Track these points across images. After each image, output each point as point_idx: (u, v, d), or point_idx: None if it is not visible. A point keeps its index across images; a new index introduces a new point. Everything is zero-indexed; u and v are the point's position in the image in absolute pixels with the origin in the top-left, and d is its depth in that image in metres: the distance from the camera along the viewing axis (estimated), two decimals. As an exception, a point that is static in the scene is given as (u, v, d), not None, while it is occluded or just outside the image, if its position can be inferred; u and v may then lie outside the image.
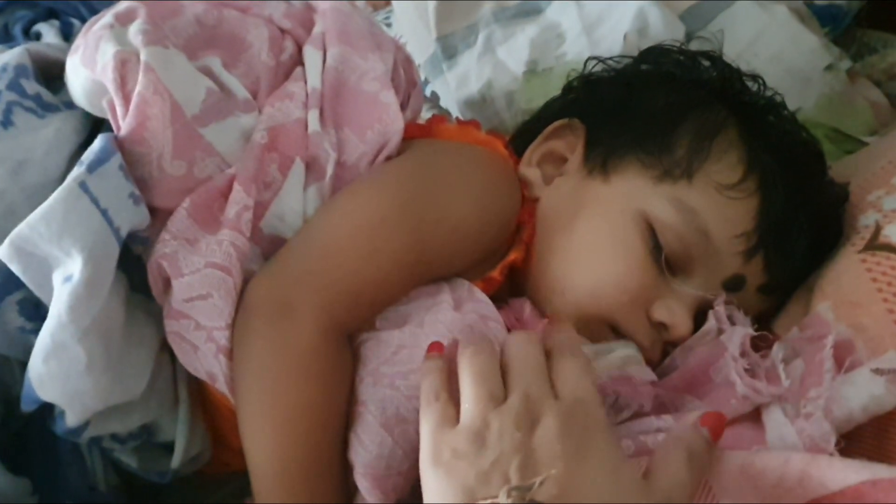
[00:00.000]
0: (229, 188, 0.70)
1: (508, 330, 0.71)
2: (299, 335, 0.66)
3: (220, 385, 0.68)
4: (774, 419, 0.64)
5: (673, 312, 0.72)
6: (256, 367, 0.66)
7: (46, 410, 0.67)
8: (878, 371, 0.64)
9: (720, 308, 0.72)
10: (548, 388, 0.59)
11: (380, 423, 0.65)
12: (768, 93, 0.82)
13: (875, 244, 0.71)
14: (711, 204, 0.73)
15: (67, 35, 0.85)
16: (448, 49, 1.08)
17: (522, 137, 0.84)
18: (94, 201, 0.64)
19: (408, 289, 0.71)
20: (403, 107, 0.78)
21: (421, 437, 0.59)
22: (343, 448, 0.67)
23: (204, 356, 0.67)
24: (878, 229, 0.71)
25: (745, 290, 0.74)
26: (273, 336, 0.66)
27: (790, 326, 0.73)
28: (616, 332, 0.73)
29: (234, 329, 0.67)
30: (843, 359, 0.65)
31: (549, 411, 0.57)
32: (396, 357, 0.67)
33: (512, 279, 0.76)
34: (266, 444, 0.65)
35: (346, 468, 0.67)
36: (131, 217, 0.67)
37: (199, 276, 0.67)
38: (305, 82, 0.76)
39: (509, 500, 0.51)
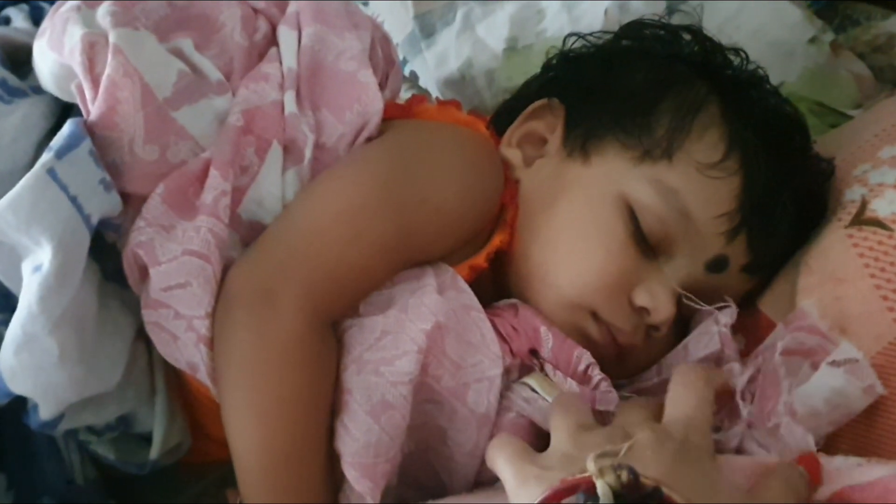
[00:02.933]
0: (204, 173, 0.69)
1: (504, 341, 0.70)
2: (282, 324, 0.64)
3: (201, 375, 0.67)
4: (755, 452, 0.64)
5: (655, 296, 0.71)
6: (239, 357, 0.65)
7: (19, 403, 0.66)
8: (834, 363, 0.64)
9: (728, 336, 0.71)
10: (645, 416, 0.59)
11: (365, 410, 0.64)
12: (751, 67, 0.81)
13: (861, 219, 0.70)
14: (692, 184, 0.72)
15: (38, 19, 0.82)
16: (426, 27, 1.07)
17: (503, 117, 0.82)
18: (64, 188, 0.63)
19: (391, 273, 0.70)
20: (382, 86, 0.76)
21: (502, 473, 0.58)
22: (329, 437, 0.66)
23: (184, 346, 0.66)
24: (864, 204, 0.71)
25: (729, 270, 0.73)
26: (255, 325, 0.65)
27: (776, 304, 0.72)
28: (597, 318, 0.72)
29: (214, 318, 0.66)
30: (818, 360, 0.66)
31: (644, 430, 0.55)
32: (380, 343, 0.66)
33: (494, 268, 0.75)
34: (251, 437, 0.64)
35: (332, 457, 0.66)
36: (102, 204, 0.65)
37: (176, 263, 0.66)
38: (281, 63, 0.75)
39: (596, 465, 0.48)
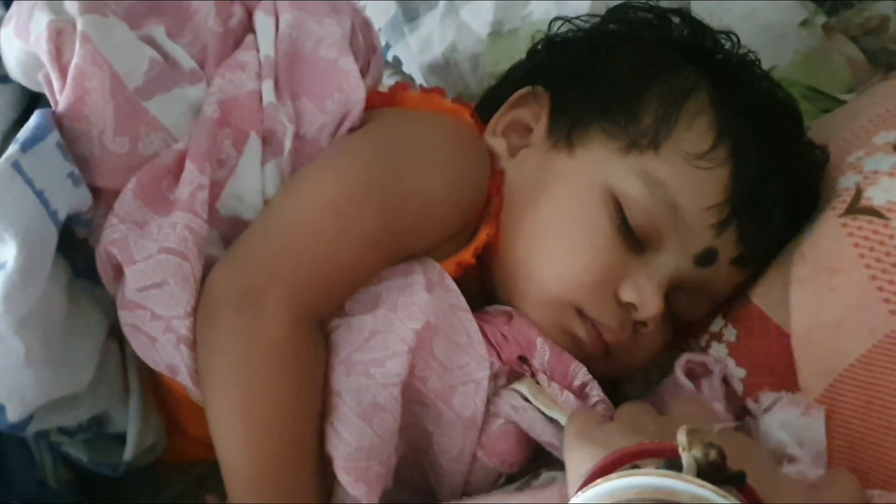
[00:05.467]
0: (178, 165, 0.67)
1: (492, 347, 0.68)
2: (269, 326, 0.63)
3: (183, 378, 0.65)
4: None
5: (642, 292, 0.70)
6: (224, 362, 0.63)
7: None
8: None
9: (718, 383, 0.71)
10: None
11: (357, 414, 0.63)
12: (742, 51, 0.79)
13: (856, 208, 0.68)
14: (680, 175, 0.70)
15: (9, 5, 0.79)
16: (409, 11, 1.05)
17: (488, 104, 0.80)
18: (29, 182, 0.61)
19: (379, 269, 0.68)
20: (363, 73, 0.74)
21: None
22: (319, 440, 0.64)
23: (163, 348, 0.65)
24: (858, 192, 0.69)
25: (719, 263, 0.71)
26: (241, 328, 0.63)
27: (769, 295, 0.71)
28: (583, 315, 0.71)
29: (195, 319, 0.64)
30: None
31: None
32: (369, 344, 0.65)
33: (479, 263, 0.73)
34: (239, 444, 0.63)
35: (323, 461, 0.65)
36: (70, 198, 0.63)
37: (152, 262, 0.64)
38: (258, 51, 0.73)
39: (687, 438, 0.46)
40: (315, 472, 0.64)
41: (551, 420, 0.66)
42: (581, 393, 0.69)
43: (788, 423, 0.65)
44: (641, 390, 0.77)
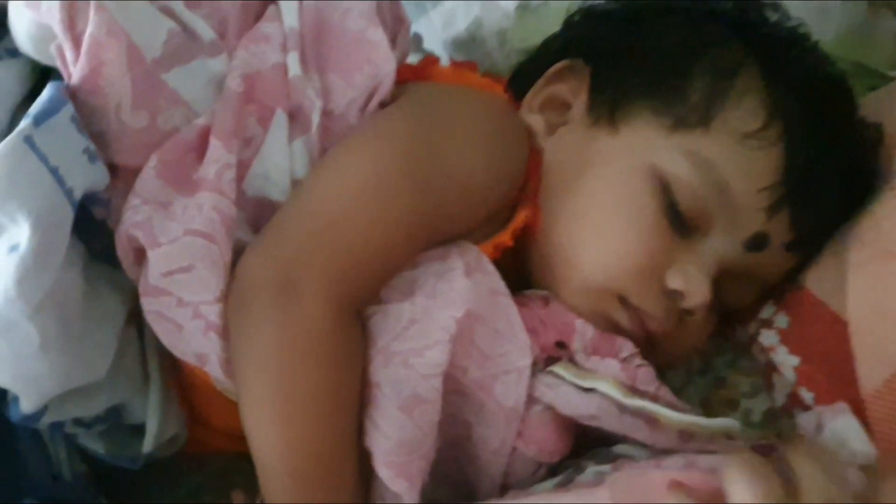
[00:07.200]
0: (200, 142, 0.65)
1: (532, 335, 0.66)
2: (308, 316, 0.60)
3: (212, 367, 0.62)
4: None
5: (690, 279, 0.67)
6: (260, 355, 0.60)
7: None
8: None
9: None
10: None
11: (396, 406, 0.60)
12: (790, 23, 0.75)
13: (917, 187, 0.65)
14: (730, 155, 0.67)
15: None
16: (432, -15, 1.02)
17: (520, 80, 0.77)
18: (43, 159, 0.58)
19: (415, 254, 0.66)
20: (391, 47, 0.71)
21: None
22: (358, 434, 0.62)
23: (191, 335, 0.62)
24: (917, 171, 0.66)
25: (770, 248, 0.68)
26: (277, 320, 0.60)
27: (823, 281, 0.68)
28: (625, 303, 0.68)
29: (228, 310, 0.61)
30: None
31: None
32: (408, 332, 0.62)
33: (515, 247, 0.70)
34: (276, 438, 0.60)
35: (361, 454, 0.62)
36: (87, 176, 0.61)
37: (178, 245, 0.61)
38: (281, 22, 0.70)
39: None
40: (355, 468, 0.62)
41: (588, 391, 0.64)
42: (625, 363, 0.67)
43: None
44: (684, 380, 0.74)
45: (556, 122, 0.73)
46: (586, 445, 0.67)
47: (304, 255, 0.61)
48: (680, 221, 0.67)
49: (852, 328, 0.65)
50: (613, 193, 0.68)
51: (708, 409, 0.71)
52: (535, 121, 0.73)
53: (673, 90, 0.69)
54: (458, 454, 0.66)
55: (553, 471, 0.66)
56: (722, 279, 0.68)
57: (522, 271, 0.71)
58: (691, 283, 0.66)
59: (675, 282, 0.67)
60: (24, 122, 0.59)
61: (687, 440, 0.62)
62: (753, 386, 0.71)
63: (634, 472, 0.59)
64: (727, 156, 0.67)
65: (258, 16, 0.71)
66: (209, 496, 0.74)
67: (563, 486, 0.63)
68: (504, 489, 0.66)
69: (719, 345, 0.73)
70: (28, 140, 0.58)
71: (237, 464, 0.70)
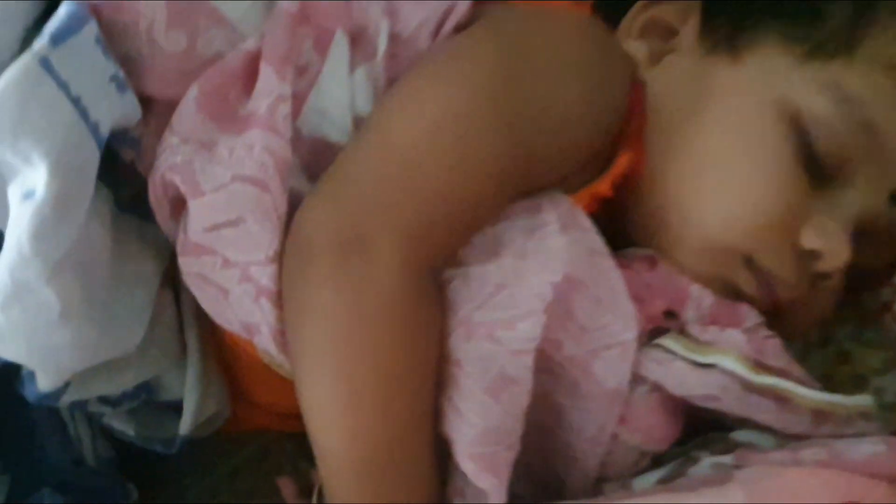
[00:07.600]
0: (247, 70, 0.58)
1: (637, 303, 0.59)
2: (379, 278, 0.53)
3: (263, 340, 0.56)
4: None
5: (830, 237, 0.60)
6: (324, 324, 0.54)
7: (12, 370, 0.57)
8: None
9: None
10: None
11: (482, 388, 0.54)
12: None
13: None
14: (878, 90, 0.60)
15: None
16: None
17: (608, 2, 0.69)
18: (62, 85, 0.52)
19: (501, 206, 0.59)
20: None
21: None
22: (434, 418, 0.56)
23: (238, 302, 0.56)
24: None
25: None
26: (344, 281, 0.53)
27: None
28: (751, 265, 0.61)
29: (280, 266, 0.55)
30: None
31: None
32: (495, 300, 0.56)
33: (614, 198, 0.64)
34: (342, 424, 0.54)
35: (437, 443, 0.57)
36: (115, 108, 0.54)
37: (224, 193, 0.56)
38: None
39: None
40: (431, 459, 0.56)
41: (706, 367, 0.58)
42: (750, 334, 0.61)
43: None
44: (800, 354, 0.66)
45: (661, 49, 0.67)
46: (689, 431, 0.61)
47: (376, 207, 0.55)
48: (817, 168, 0.60)
49: None
50: (738, 134, 0.62)
51: (830, 388, 0.64)
52: (637, 48, 0.67)
53: (808, 11, 0.62)
54: (545, 443, 0.61)
55: (656, 460, 0.60)
56: (858, 237, 0.62)
57: (621, 226, 0.65)
58: (832, 242, 0.60)
59: (811, 240, 0.60)
60: (40, 42, 0.52)
61: (820, 423, 0.57)
62: (885, 361, 0.67)
63: (772, 470, 0.53)
64: (875, 90, 0.60)
65: None
66: (246, 482, 0.71)
67: (670, 479, 0.58)
68: (598, 483, 0.60)
69: (842, 313, 0.67)
70: (44, 62, 0.51)
71: (279, 443, 0.69)
